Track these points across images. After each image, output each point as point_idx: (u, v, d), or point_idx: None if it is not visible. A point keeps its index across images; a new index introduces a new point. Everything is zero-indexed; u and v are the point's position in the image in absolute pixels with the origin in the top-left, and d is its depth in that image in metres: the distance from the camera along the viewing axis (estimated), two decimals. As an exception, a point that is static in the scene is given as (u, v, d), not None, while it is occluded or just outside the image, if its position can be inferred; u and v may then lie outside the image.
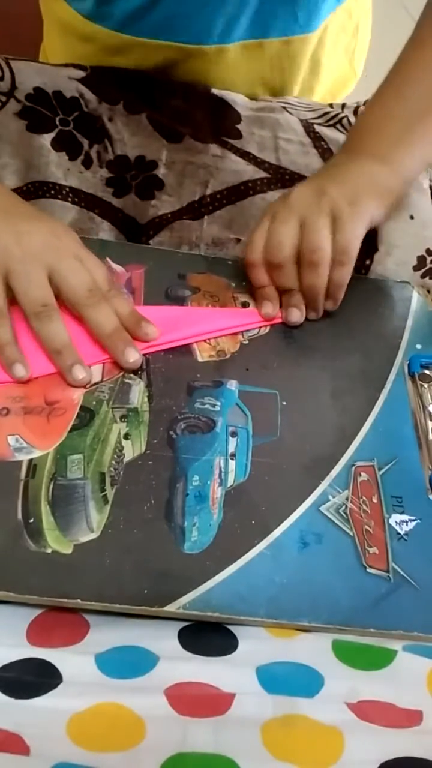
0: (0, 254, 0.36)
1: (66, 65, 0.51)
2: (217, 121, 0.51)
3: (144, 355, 0.39)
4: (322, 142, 0.50)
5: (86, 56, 0.52)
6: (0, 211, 0.38)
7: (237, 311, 0.43)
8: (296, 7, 0.50)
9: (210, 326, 0.41)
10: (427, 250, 0.48)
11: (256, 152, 0.49)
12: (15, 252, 0.36)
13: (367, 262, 0.47)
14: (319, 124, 0.52)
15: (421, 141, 0.44)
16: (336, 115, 0.53)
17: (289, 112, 0.52)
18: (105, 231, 0.48)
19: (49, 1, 0.55)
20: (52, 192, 0.47)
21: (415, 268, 0.48)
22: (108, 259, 0.43)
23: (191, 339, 0.40)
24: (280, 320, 0.43)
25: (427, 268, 0.48)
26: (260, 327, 0.42)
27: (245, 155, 0.49)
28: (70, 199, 0.47)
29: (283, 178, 0.49)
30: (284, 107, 0.53)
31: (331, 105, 0.55)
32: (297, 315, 0.42)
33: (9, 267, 0.36)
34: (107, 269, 0.40)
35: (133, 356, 0.37)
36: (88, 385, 0.37)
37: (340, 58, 0.60)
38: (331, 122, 0.53)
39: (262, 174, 0.49)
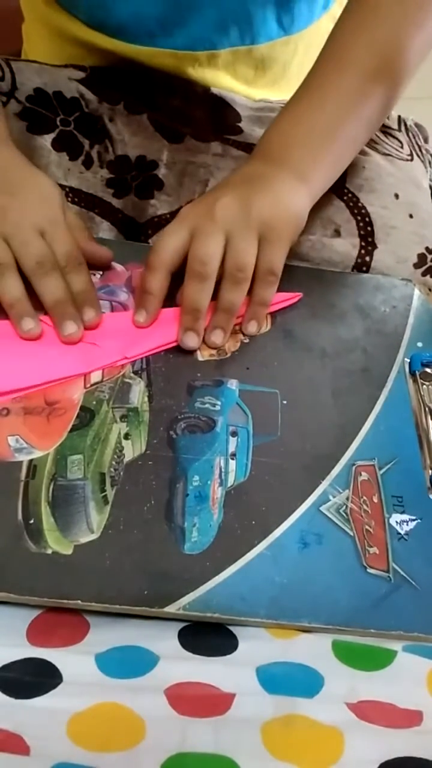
0: None
1: (66, 66, 0.51)
2: (218, 120, 0.51)
3: (144, 356, 0.39)
4: None
5: (81, 60, 0.52)
6: None
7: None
8: (281, 10, 0.50)
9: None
10: (427, 248, 0.48)
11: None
12: None
13: (367, 259, 0.47)
14: None
15: (335, 162, 0.44)
16: None
17: None
18: (105, 231, 0.48)
19: (39, 9, 0.54)
20: None
21: (416, 266, 0.48)
22: None
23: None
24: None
25: (427, 266, 0.48)
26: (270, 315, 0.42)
27: (247, 148, 0.49)
28: (70, 199, 0.47)
29: None
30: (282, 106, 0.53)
31: None
32: (196, 341, 0.39)
33: None
34: (77, 246, 0.40)
35: (69, 329, 0.38)
36: (88, 386, 0.37)
37: None
38: None
39: None
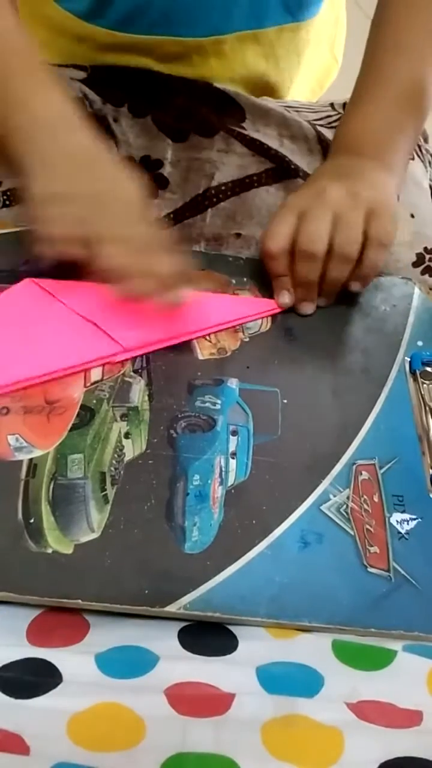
0: None
1: (65, 65, 0.50)
2: (222, 117, 0.51)
3: (145, 353, 0.39)
4: (326, 145, 0.50)
5: (79, 56, 0.52)
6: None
7: (247, 300, 0.43)
8: None
9: (225, 317, 0.41)
10: (425, 248, 0.48)
11: (262, 139, 0.50)
12: None
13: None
14: (321, 126, 0.52)
15: (410, 143, 0.47)
16: (339, 118, 0.53)
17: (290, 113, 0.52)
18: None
19: (34, 4, 0.54)
20: None
21: (414, 265, 0.48)
22: None
23: (201, 333, 0.40)
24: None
25: (425, 265, 0.48)
26: (269, 316, 0.43)
27: (251, 143, 0.49)
28: None
29: (288, 168, 0.49)
30: (285, 108, 0.53)
31: (332, 106, 0.55)
32: (312, 308, 0.43)
33: None
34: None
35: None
36: (88, 384, 0.37)
37: (323, 49, 0.60)
38: (333, 125, 0.53)
39: (267, 165, 0.49)
